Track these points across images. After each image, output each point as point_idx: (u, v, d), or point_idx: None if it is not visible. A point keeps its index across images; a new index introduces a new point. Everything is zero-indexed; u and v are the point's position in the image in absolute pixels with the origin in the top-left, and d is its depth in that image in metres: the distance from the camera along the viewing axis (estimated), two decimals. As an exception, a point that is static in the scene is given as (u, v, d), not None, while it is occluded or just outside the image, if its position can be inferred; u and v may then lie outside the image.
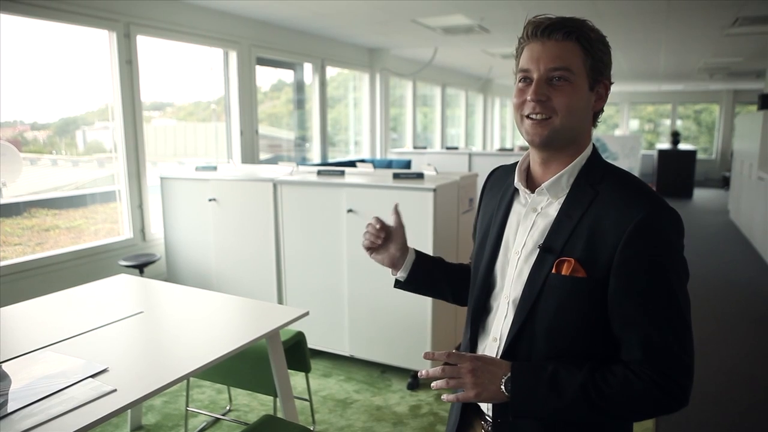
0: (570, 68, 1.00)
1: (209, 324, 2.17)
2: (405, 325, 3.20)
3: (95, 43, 3.85)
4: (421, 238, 3.04)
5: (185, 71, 4.77)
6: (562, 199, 1.06)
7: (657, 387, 0.96)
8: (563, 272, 1.00)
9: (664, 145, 14.22)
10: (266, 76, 6.08)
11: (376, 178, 3.39)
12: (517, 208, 1.14)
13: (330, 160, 6.46)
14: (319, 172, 3.59)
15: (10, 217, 3.57)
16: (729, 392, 3.23)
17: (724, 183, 12.80)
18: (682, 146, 13.58)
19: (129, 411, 2.75)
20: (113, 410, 1.49)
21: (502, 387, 0.99)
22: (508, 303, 1.09)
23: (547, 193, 1.08)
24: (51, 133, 3.90)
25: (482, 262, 1.17)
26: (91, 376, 1.67)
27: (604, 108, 1.10)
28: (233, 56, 4.89)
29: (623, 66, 8.76)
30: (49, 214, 3.83)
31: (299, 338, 2.66)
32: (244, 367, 2.42)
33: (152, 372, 1.74)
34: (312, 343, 3.56)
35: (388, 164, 6.46)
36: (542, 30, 1.01)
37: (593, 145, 1.09)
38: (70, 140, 4.02)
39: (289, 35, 5.56)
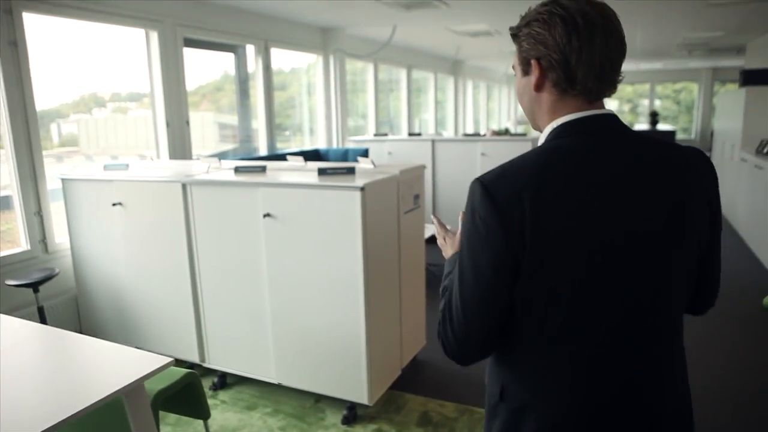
0: (514, 67, 1.07)
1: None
2: (337, 348, 2.69)
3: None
4: (347, 243, 2.53)
5: (99, 56, 4.17)
6: None
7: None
8: None
9: (643, 125, 13.90)
10: (217, 62, 5.53)
11: (299, 175, 2.86)
12: None
13: (284, 151, 5.90)
14: (237, 170, 3.05)
15: None
16: (725, 389, 2.79)
17: (705, 163, 12.46)
18: (661, 126, 13.26)
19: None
20: None
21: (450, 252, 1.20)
22: None
23: None
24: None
25: None
26: None
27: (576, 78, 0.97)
28: (154, 37, 4.30)
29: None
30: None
31: (191, 380, 2.14)
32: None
33: None
34: (235, 369, 3.06)
35: (344, 154, 5.94)
36: None
37: (553, 125, 1.03)
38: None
39: (223, 13, 4.97)
